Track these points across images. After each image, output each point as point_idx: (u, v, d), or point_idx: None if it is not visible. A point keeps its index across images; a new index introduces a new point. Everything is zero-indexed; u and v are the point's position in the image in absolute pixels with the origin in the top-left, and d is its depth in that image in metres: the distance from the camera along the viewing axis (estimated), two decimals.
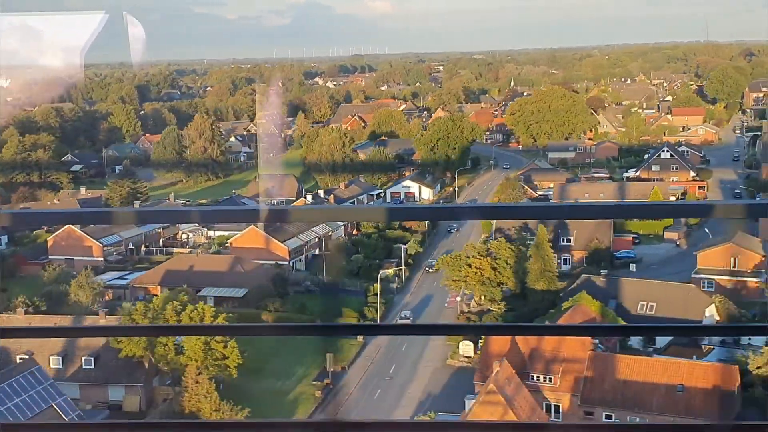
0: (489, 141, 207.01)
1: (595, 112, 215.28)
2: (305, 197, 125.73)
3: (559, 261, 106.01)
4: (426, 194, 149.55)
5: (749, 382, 65.35)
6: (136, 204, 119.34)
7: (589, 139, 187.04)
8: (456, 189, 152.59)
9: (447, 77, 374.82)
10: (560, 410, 64.60)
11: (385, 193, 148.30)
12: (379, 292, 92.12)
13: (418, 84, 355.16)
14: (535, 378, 65.32)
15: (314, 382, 73.36)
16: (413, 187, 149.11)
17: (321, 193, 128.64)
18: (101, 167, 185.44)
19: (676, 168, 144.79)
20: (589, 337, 62.55)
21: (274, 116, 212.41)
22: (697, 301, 79.07)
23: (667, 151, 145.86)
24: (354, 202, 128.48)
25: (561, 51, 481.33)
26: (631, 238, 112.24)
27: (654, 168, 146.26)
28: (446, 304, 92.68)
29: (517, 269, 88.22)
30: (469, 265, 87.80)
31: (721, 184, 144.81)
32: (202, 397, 59.86)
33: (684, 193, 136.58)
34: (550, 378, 64.77)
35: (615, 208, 4.42)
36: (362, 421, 4.11)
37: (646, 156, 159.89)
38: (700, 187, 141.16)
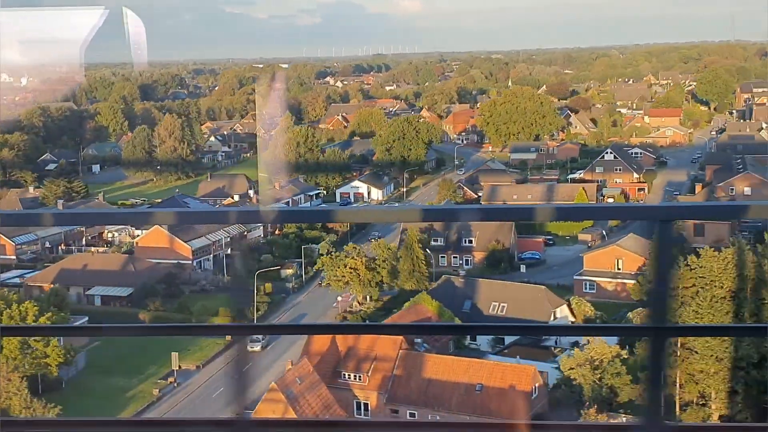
0: (465, 142, 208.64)
1: (575, 112, 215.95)
2: (232, 197, 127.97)
3: (460, 261, 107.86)
4: (376, 195, 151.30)
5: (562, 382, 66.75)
6: (59, 204, 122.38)
7: (562, 140, 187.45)
8: (405, 191, 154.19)
9: (457, 76, 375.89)
10: (369, 408, 66.35)
11: (335, 194, 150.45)
12: (268, 291, 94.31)
13: (427, 83, 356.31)
14: (346, 376, 67.09)
15: (159, 381, 75.60)
16: (362, 187, 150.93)
17: (251, 192, 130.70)
18: (76, 166, 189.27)
19: (620, 170, 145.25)
20: (401, 336, 64.16)
21: (266, 116, 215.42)
22: (545, 302, 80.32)
23: (611, 152, 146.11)
24: (289, 202, 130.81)
25: (579, 51, 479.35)
26: (542, 240, 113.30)
27: (598, 170, 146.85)
28: (334, 304, 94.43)
29: (392, 270, 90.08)
30: (345, 265, 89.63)
31: (669, 186, 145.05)
32: (12, 394, 62.25)
33: (625, 195, 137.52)
34: (360, 376, 66.52)
35: (616, 209, 4.41)
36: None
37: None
38: (639, 189, 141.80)
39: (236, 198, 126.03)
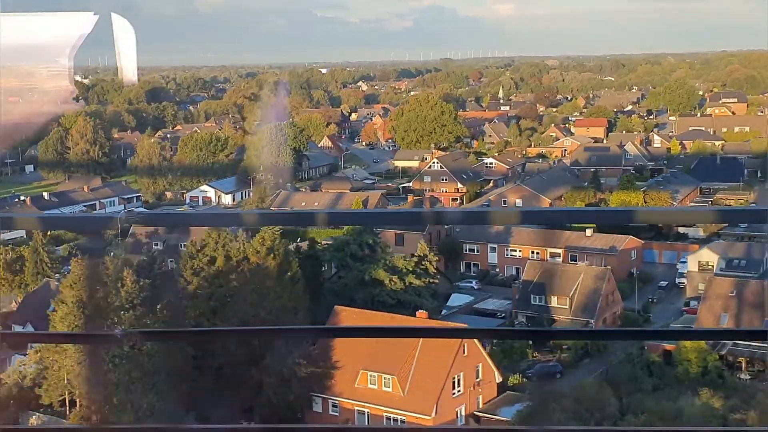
0: (392, 148, 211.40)
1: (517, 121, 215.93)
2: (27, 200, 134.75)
3: None
4: (226, 200, 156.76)
5: None
6: None
7: (460, 149, 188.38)
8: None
9: (488, 82, 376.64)
10: None
11: (186, 197, 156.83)
12: None
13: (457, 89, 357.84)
14: None
15: None
16: (210, 191, 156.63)
17: (45, 194, 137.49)
18: (14, 165, 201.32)
19: (445, 179, 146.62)
20: None
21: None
22: None
23: (437, 163, 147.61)
24: (95, 205, 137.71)
25: (632, 57, 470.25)
26: None
27: (426, 179, 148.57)
28: None
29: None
30: None
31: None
32: None
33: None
34: None
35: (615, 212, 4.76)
36: None
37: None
38: (453, 199, 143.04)
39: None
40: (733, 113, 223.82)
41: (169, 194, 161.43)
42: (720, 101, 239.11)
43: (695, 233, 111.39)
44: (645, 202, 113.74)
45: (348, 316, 68.61)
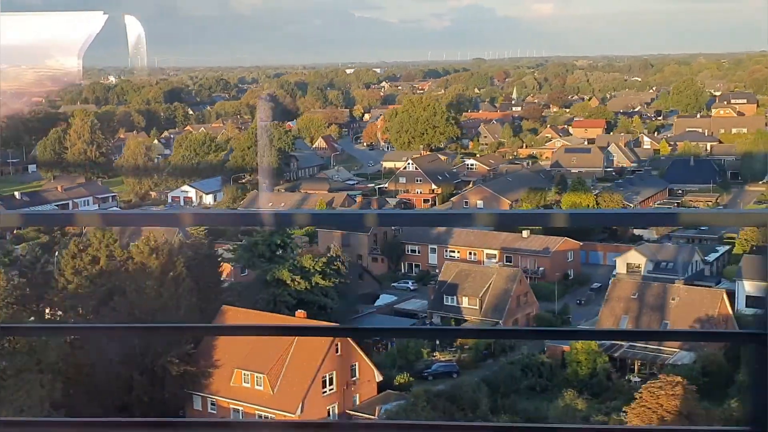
0: (389, 148, 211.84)
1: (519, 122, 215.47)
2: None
3: None
4: (207, 199, 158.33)
5: None
6: None
7: (455, 150, 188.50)
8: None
9: (511, 82, 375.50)
10: None
11: (168, 197, 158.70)
12: None
13: (476, 89, 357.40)
14: None
15: None
16: (191, 192, 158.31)
17: (17, 194, 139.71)
18: (18, 165, 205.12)
19: (420, 180, 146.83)
20: None
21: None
22: None
23: (412, 164, 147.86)
24: (69, 205, 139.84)
25: (667, 57, 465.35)
26: None
27: (401, 180, 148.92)
28: None
29: None
30: None
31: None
32: None
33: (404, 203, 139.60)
34: None
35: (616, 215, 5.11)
36: None
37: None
38: (425, 200, 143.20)
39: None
40: (741, 114, 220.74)
41: (153, 194, 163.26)
42: (729, 102, 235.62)
43: (649, 235, 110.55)
44: (597, 204, 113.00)
45: (233, 315, 69.23)
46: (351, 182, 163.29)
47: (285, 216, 4.06)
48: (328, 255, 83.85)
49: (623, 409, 54.54)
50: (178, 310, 66.85)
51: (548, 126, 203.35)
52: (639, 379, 69.70)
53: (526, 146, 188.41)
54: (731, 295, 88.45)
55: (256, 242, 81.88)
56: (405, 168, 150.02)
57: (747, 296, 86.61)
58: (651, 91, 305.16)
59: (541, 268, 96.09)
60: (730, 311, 74.60)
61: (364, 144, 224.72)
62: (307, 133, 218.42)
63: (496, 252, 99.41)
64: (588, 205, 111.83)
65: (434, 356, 76.25)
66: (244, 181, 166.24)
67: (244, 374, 65.40)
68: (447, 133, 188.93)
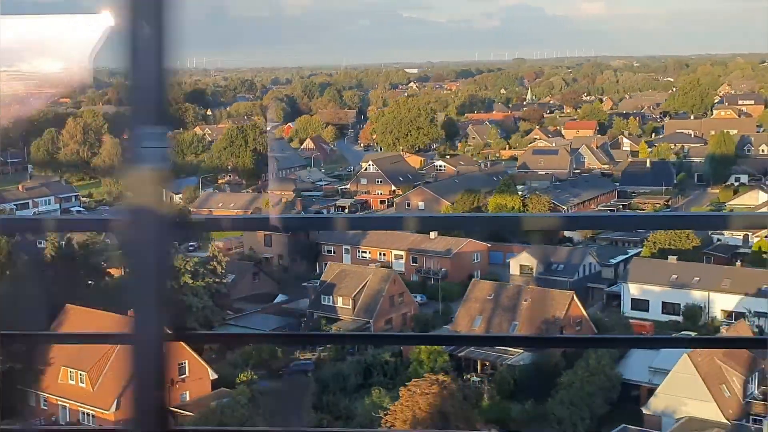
0: (381, 149, 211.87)
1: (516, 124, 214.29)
2: None
3: None
4: (176, 200, 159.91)
5: None
6: None
7: (444, 151, 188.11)
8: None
9: (539, 82, 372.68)
10: None
11: None
12: None
13: (502, 90, 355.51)
14: None
15: None
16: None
17: None
18: (17, 165, 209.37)
19: (380, 182, 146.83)
20: None
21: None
22: None
23: (372, 165, 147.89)
24: (28, 204, 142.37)
25: (700, 57, 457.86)
26: None
27: (362, 181, 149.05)
28: None
29: None
30: None
31: None
32: None
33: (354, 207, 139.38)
34: None
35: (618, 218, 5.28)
36: None
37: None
38: (381, 201, 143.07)
39: None
40: (748, 115, 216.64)
41: None
42: (737, 103, 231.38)
43: (578, 237, 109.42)
44: (524, 206, 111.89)
45: (76, 313, 70.13)
46: (321, 183, 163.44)
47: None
48: (207, 255, 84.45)
49: (389, 408, 54.19)
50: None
51: (537, 127, 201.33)
52: (478, 379, 69.21)
53: (510, 147, 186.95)
54: (617, 297, 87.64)
55: None
56: (366, 169, 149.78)
57: (632, 299, 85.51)
58: (672, 91, 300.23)
59: (443, 269, 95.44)
60: (584, 313, 73.43)
61: (362, 145, 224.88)
62: (305, 134, 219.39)
63: (403, 253, 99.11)
64: (513, 207, 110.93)
65: (295, 355, 76.43)
66: (223, 181, 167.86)
67: (70, 372, 66.18)
68: (430, 135, 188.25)
